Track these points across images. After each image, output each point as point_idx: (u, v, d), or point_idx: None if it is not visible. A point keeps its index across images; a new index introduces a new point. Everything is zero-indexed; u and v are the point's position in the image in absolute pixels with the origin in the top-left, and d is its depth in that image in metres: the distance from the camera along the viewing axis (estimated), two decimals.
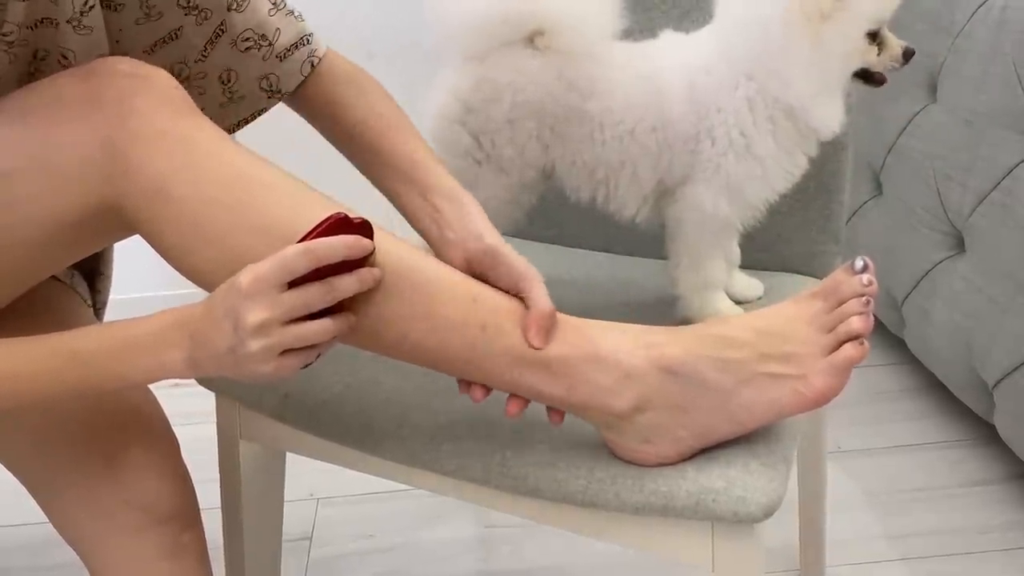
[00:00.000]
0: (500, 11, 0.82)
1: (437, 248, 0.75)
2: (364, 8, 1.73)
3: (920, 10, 1.35)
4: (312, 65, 0.84)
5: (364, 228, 0.65)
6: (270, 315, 0.61)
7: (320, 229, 0.63)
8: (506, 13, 0.82)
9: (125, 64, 0.70)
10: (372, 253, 0.65)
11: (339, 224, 0.63)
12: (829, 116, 0.81)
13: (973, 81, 1.26)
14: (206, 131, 0.69)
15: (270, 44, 0.82)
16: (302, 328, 0.62)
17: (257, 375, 0.63)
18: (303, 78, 0.84)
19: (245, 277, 0.61)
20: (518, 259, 0.70)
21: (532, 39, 0.83)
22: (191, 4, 0.79)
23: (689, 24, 0.93)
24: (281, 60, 0.83)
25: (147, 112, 0.67)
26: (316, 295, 0.62)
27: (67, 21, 0.74)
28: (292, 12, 0.84)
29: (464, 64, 0.85)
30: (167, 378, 0.65)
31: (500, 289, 0.70)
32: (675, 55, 0.84)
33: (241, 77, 0.83)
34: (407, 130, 0.81)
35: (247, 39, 0.82)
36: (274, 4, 0.83)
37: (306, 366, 0.65)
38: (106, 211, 0.68)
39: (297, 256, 0.61)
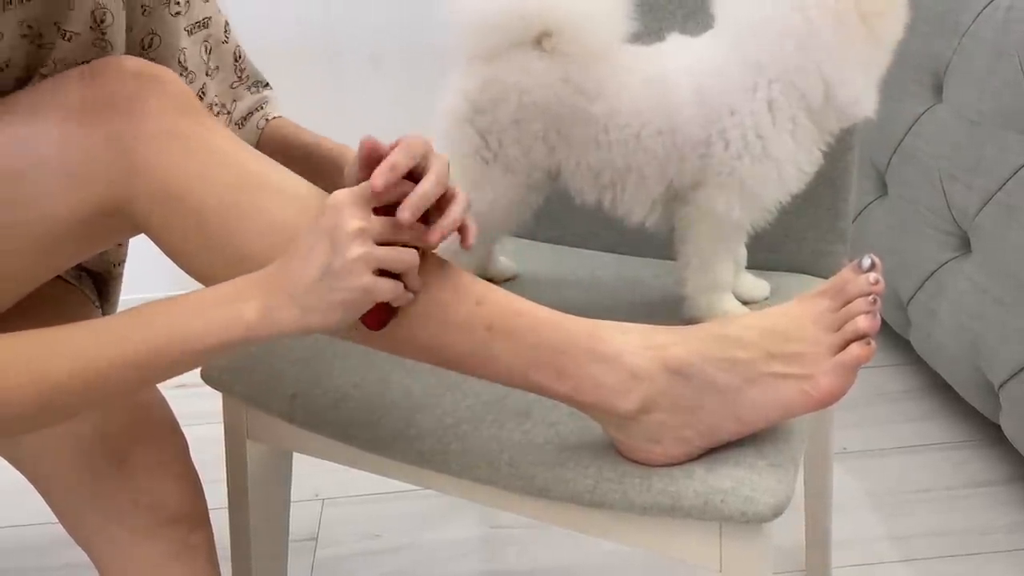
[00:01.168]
0: (509, 10, 0.82)
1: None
2: (368, 13, 1.74)
3: (926, 10, 1.35)
4: (267, 119, 0.91)
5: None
6: (367, 224, 0.61)
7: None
8: (514, 12, 0.82)
9: (132, 63, 0.70)
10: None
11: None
12: (872, 105, 0.82)
13: (979, 81, 1.26)
14: (214, 132, 0.70)
15: (228, 113, 0.89)
16: (393, 249, 0.62)
17: (349, 295, 0.61)
18: (259, 132, 0.90)
19: (339, 193, 0.62)
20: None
21: (539, 40, 0.83)
22: (184, 65, 0.82)
23: (694, 26, 0.93)
24: (239, 127, 0.89)
25: (155, 112, 0.68)
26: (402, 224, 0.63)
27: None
28: (252, 87, 0.91)
29: (472, 64, 0.85)
30: (238, 337, 0.62)
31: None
32: (682, 58, 0.84)
33: None
34: (326, 137, 0.90)
35: (216, 105, 0.88)
36: (238, 77, 0.89)
37: (381, 325, 0.65)
38: (113, 211, 0.68)
39: (383, 171, 0.62)
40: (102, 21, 0.75)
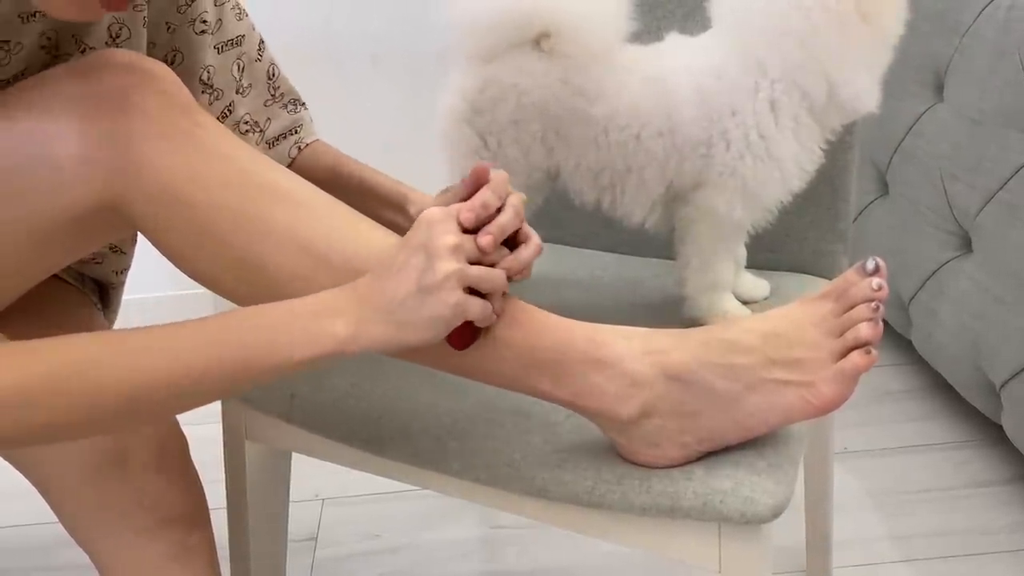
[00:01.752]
0: (507, 10, 0.82)
1: None
2: (369, 16, 1.74)
3: (926, 9, 1.35)
4: (299, 149, 0.90)
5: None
6: (461, 241, 0.62)
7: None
8: (513, 13, 0.82)
9: (124, 56, 0.69)
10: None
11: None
12: (875, 100, 0.82)
13: (980, 81, 1.26)
14: (209, 129, 0.69)
15: (261, 131, 0.88)
16: (484, 268, 0.63)
17: (439, 312, 0.61)
18: (291, 159, 0.90)
19: (433, 209, 0.63)
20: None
21: (538, 41, 0.83)
22: (209, 82, 0.82)
23: (693, 25, 0.92)
24: (270, 147, 0.89)
25: (148, 108, 0.67)
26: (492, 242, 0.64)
27: None
28: (287, 105, 0.90)
29: (471, 65, 0.85)
30: (328, 352, 0.62)
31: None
32: (681, 59, 0.84)
33: None
34: (379, 172, 0.89)
35: (247, 123, 0.87)
36: (272, 96, 0.88)
37: (466, 345, 0.66)
38: (107, 208, 0.67)
39: (474, 207, 0.63)
40: (117, 36, 0.75)
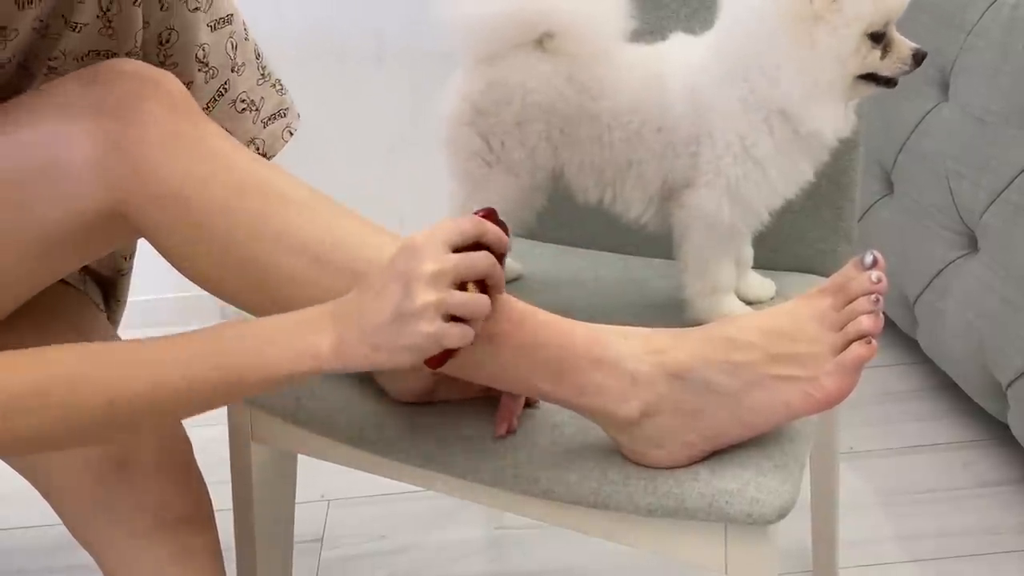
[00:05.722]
0: (510, 12, 0.82)
1: None
2: (374, 11, 1.74)
3: (931, 8, 1.35)
4: (290, 133, 0.90)
5: (503, 227, 0.65)
6: (442, 267, 0.60)
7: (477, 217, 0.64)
8: (516, 14, 0.82)
9: (130, 66, 0.70)
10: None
11: (488, 217, 0.65)
12: (824, 120, 0.79)
13: (986, 79, 1.26)
14: (213, 134, 0.70)
15: (257, 110, 0.87)
16: (465, 295, 0.61)
17: (414, 341, 0.60)
18: (284, 143, 0.89)
19: (419, 235, 0.61)
20: None
21: (541, 41, 0.83)
22: (205, 60, 0.82)
23: (697, 24, 0.92)
24: (265, 126, 0.88)
25: (154, 115, 0.68)
26: (481, 260, 0.62)
27: (127, 54, 0.75)
28: (275, 85, 0.90)
29: (474, 66, 0.85)
30: (311, 368, 0.61)
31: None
32: (680, 57, 0.84)
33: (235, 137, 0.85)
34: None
35: (243, 101, 0.86)
36: (262, 75, 0.88)
37: (440, 364, 0.63)
38: (113, 214, 0.68)
39: (468, 222, 0.62)
40: (108, 10, 0.75)
